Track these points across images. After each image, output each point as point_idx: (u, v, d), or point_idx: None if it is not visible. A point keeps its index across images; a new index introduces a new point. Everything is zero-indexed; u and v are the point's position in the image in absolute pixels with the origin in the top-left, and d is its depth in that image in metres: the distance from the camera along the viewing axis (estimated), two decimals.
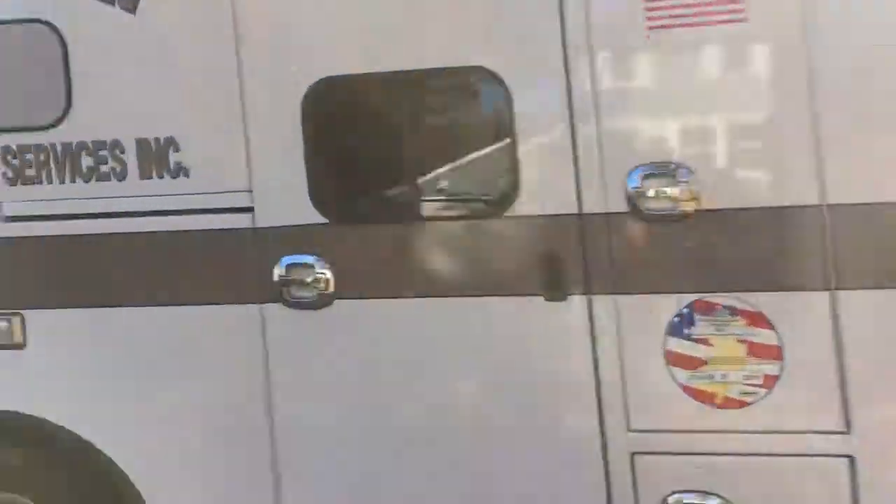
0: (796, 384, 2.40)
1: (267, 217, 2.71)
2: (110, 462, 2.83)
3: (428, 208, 2.83)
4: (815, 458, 2.42)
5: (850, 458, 2.38)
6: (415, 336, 2.63)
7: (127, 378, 2.84)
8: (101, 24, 2.81)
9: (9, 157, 2.91)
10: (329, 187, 2.71)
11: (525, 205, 2.53)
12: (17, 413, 2.87)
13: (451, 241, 2.69)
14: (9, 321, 2.89)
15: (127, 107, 2.82)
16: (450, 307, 2.60)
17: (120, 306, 2.83)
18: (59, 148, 2.87)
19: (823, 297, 2.35)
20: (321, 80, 2.63)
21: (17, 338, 2.88)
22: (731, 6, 2.40)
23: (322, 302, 2.66)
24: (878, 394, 2.38)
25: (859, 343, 2.35)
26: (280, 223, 2.70)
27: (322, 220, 2.66)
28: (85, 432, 2.83)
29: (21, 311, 2.87)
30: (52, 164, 2.88)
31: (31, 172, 2.89)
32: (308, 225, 2.67)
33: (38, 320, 2.88)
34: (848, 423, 2.38)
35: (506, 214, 2.55)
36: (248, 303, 2.73)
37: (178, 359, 2.81)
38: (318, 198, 2.65)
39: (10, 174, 2.90)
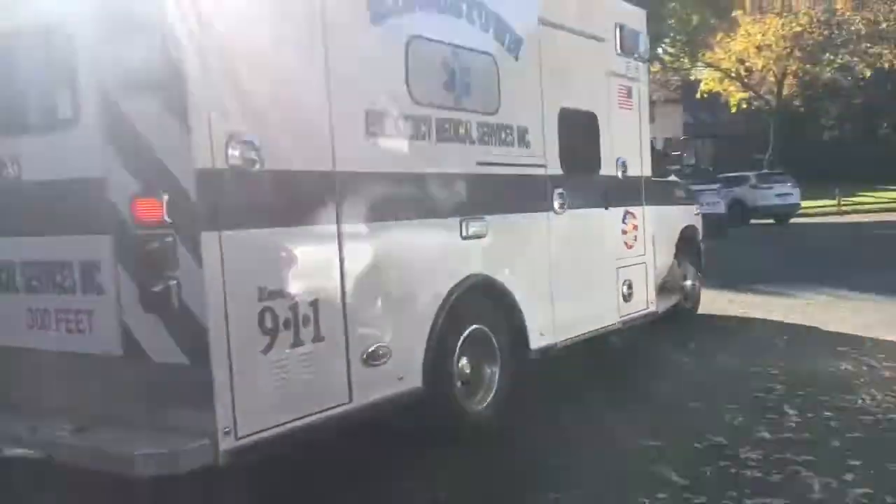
0: None
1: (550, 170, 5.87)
2: (514, 298, 5.34)
3: None
4: None
5: None
6: None
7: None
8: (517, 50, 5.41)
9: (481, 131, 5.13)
10: None
11: None
12: (485, 275, 5.13)
13: None
14: (482, 220, 5.10)
15: (517, 111, 5.46)
16: None
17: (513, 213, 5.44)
18: (496, 125, 5.26)
19: None
20: None
21: (483, 231, 5.12)
22: None
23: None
24: None
25: None
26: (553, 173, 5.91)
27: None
28: (506, 283, 5.29)
29: (484, 216, 5.13)
30: (493, 135, 5.25)
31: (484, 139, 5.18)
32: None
33: (492, 221, 5.15)
34: None
35: None
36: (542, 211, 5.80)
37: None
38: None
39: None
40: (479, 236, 5.04)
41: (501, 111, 5.29)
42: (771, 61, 35.87)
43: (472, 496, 4.19)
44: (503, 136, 5.32)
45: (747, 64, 36.89)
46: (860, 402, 5.47)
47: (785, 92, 37.68)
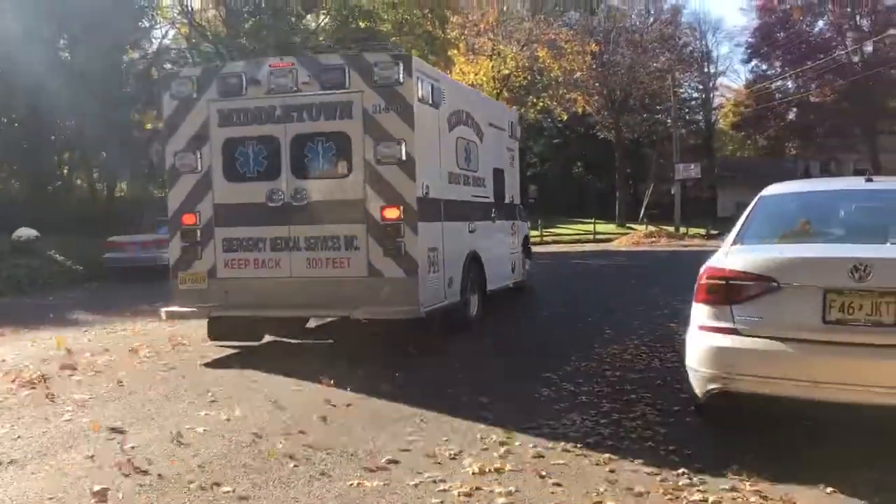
0: None
1: None
2: (482, 263, 10.80)
3: None
4: None
5: None
6: None
7: None
8: None
9: None
10: None
11: None
12: (474, 250, 10.28)
13: None
14: (474, 223, 10.39)
15: (481, 169, 11.19)
16: None
17: None
18: (475, 177, 10.52)
19: None
20: None
21: (475, 229, 10.63)
22: None
23: None
24: None
25: None
26: None
27: None
28: (481, 255, 10.75)
29: (475, 222, 10.43)
30: (475, 182, 10.70)
31: None
32: None
33: (476, 225, 10.73)
34: None
35: None
36: (489, 220, 11.23)
37: None
38: None
39: None
40: (473, 231, 10.62)
41: (479, 170, 11.08)
42: None
43: (470, 349, 9.27)
44: (478, 182, 11.05)
45: None
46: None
47: None
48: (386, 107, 8.44)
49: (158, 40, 33.29)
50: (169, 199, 9.22)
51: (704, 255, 5.57)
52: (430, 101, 9.06)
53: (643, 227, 42.79)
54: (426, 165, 8.81)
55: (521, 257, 13.86)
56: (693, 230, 39.39)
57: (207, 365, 8.62)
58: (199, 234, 9.02)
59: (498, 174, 12.08)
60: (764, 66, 59.37)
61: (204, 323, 9.46)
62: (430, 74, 9.27)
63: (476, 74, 37.76)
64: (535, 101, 41.18)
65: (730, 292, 4.95)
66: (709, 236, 36.95)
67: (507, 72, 38.81)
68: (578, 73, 40.14)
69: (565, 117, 42.50)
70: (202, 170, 9.00)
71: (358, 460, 5.13)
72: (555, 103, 40.77)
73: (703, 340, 5.04)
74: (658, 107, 52.68)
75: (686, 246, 31.91)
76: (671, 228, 39.93)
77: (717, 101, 67.69)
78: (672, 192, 42.06)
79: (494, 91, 38.76)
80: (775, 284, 4.79)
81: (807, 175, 53.81)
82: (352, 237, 8.57)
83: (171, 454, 5.36)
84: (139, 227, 22.76)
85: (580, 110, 41.78)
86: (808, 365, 4.63)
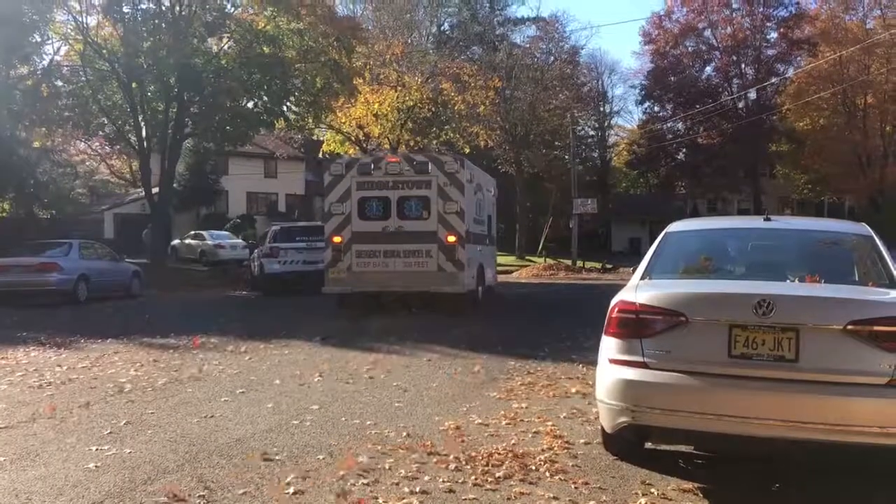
0: None
1: None
2: (484, 270, 19.40)
3: None
4: None
5: None
6: None
7: None
8: None
9: None
10: None
11: None
12: (480, 262, 18.62)
13: None
14: (479, 246, 18.59)
15: (483, 215, 19.32)
16: None
17: None
18: (480, 220, 18.99)
19: None
20: None
21: (481, 249, 19.00)
22: None
23: None
24: None
25: None
26: None
27: None
28: (484, 265, 19.20)
29: (479, 246, 18.74)
30: (480, 224, 19.11)
31: None
32: None
33: (481, 248, 19.17)
34: None
35: None
36: (485, 245, 20.26)
37: None
38: None
39: None
40: (480, 251, 18.29)
41: (482, 216, 18.73)
42: (387, 129, 39.29)
43: (477, 321, 15.22)
44: (482, 223, 18.69)
45: (366, 130, 40.13)
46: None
47: None
48: (450, 184, 16.09)
49: (50, 56, 31.88)
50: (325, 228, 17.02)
51: (602, 288, 5.65)
52: (470, 181, 17.00)
53: (542, 259, 43.60)
54: (468, 214, 16.58)
55: (495, 269, 21.81)
56: (589, 264, 40.37)
57: (105, 393, 8.20)
58: (342, 248, 16.53)
59: (489, 219, 20.03)
60: (656, 108, 61.92)
61: (91, 353, 10.87)
62: (470, 166, 17.49)
63: (381, 104, 38.00)
64: (438, 132, 41.61)
65: (640, 326, 5.01)
66: (604, 270, 37.95)
67: (411, 103, 39.04)
68: (481, 107, 40.70)
69: (468, 150, 42.90)
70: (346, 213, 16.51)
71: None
72: (458, 136, 41.31)
73: (613, 373, 5.07)
74: (557, 143, 54.06)
75: (584, 279, 32.63)
76: (569, 262, 40.83)
77: (612, 140, 70.27)
78: (570, 226, 43.08)
79: (399, 122, 39.27)
80: (683, 319, 4.87)
81: (695, 213, 56.25)
82: (427, 250, 16.14)
83: (59, 493, 5.00)
84: (24, 248, 21.61)
85: (483, 144, 42.41)
86: (714, 398, 4.71)
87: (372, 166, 16.50)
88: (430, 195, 16.19)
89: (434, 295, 16.14)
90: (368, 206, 16.45)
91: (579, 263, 40.46)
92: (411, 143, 41.51)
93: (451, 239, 16.03)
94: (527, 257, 46.48)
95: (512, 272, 36.38)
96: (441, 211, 16.07)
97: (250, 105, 32.44)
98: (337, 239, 16.57)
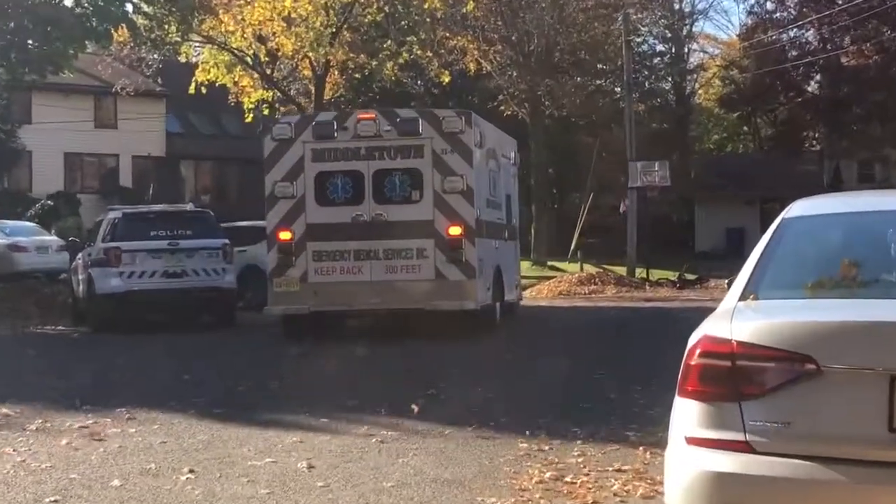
0: None
1: None
2: (501, 273, 22.44)
3: None
4: None
5: None
6: None
7: None
8: None
9: None
10: None
11: None
12: (497, 264, 22.60)
13: None
14: (496, 241, 23.02)
15: (499, 194, 23.95)
16: None
17: None
18: (495, 201, 23.72)
19: None
20: None
21: (497, 245, 22.81)
22: None
23: None
24: None
25: None
26: None
27: None
28: (501, 267, 23.12)
29: (496, 240, 23.08)
30: (496, 206, 23.41)
31: None
32: None
33: (498, 243, 23.28)
34: None
35: None
36: (502, 239, 25.34)
37: None
38: None
39: None
40: (497, 248, 22.10)
41: (498, 196, 22.74)
42: (307, 42, 39.18)
43: (494, 339, 20.19)
44: (498, 207, 22.54)
45: (271, 44, 40.43)
46: None
47: (328, 94, 43.28)
48: (451, 149, 18.14)
49: None
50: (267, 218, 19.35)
51: (679, 315, 5.70)
52: (480, 144, 19.12)
53: (576, 265, 43.66)
54: (478, 194, 19.02)
55: (518, 276, 25.76)
56: (658, 272, 40.57)
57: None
58: (292, 248, 18.62)
59: (507, 199, 23.11)
60: (770, 4, 62.13)
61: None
62: (480, 123, 19.88)
63: (296, 2, 38.06)
64: (396, 50, 41.63)
65: (738, 380, 5.04)
66: (682, 283, 38.16)
67: None
68: (469, 4, 40.58)
69: (447, 79, 42.70)
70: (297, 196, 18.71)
71: None
72: (430, 55, 41.67)
73: (693, 461, 5.12)
74: (602, 66, 54.20)
75: (647, 299, 32.82)
76: (622, 269, 40.98)
77: (695, 60, 70.65)
78: (622, 210, 43.22)
79: (328, 31, 39.51)
80: (813, 367, 4.91)
81: (838, 182, 56.52)
82: (420, 249, 18.49)
83: None
84: None
85: (472, 68, 43.09)
86: (868, 502, 4.77)
87: (335, 126, 18.43)
88: (421, 167, 18.22)
89: (431, 316, 17.80)
90: (331, 184, 18.44)
91: (640, 273, 40.63)
92: (349, 67, 42.13)
93: (455, 231, 18.16)
94: (550, 263, 46.57)
95: (525, 288, 36.37)
96: (439, 190, 18.03)
97: (69, 3, 32.24)
98: (285, 235, 18.45)
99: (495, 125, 23.66)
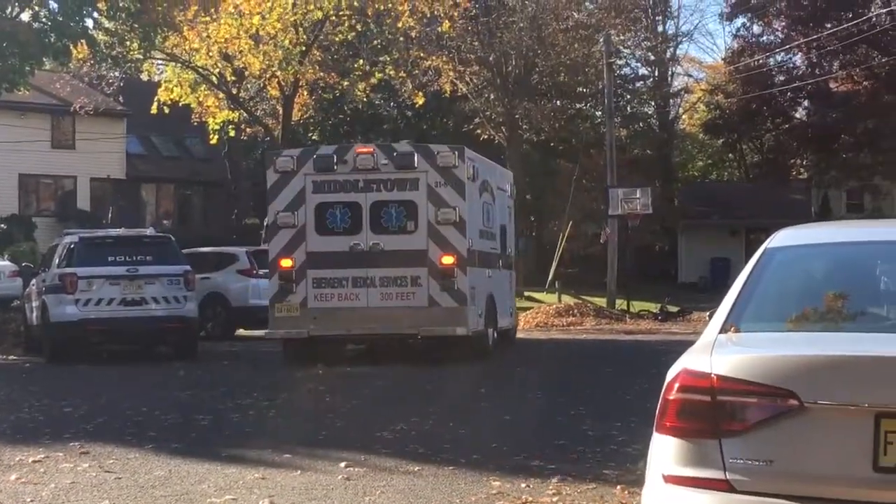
0: None
1: None
2: (494, 301, 24.38)
3: None
4: None
5: None
6: None
7: None
8: None
9: None
10: None
11: None
12: (490, 292, 24.51)
13: None
14: (489, 270, 24.40)
15: (493, 225, 25.52)
16: None
17: None
18: (489, 232, 25.18)
19: None
20: None
21: (490, 274, 24.66)
22: None
23: None
24: None
25: None
26: None
27: None
28: (494, 294, 24.95)
29: (488, 269, 24.62)
30: (490, 236, 25.37)
31: None
32: None
33: (491, 272, 25.13)
34: None
35: None
36: (495, 269, 26.86)
37: None
38: None
39: None
40: (490, 277, 23.87)
41: (493, 227, 24.25)
42: (275, 61, 39.02)
43: (486, 367, 21.35)
44: (492, 237, 24.27)
45: (237, 62, 40.28)
46: None
47: (296, 115, 43.17)
48: (445, 182, 20.00)
49: None
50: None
51: (659, 348, 5.72)
52: (472, 178, 21.10)
53: (553, 296, 43.65)
54: (471, 225, 20.78)
55: (513, 304, 28.07)
56: (639, 304, 40.57)
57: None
58: (293, 275, 20.36)
59: (502, 229, 24.97)
60: (756, 28, 62.52)
61: None
62: (473, 157, 22.14)
63: (264, 18, 37.79)
64: (368, 70, 41.62)
65: (718, 415, 5.03)
66: (663, 316, 38.21)
67: (318, 14, 39.19)
68: (445, 24, 40.33)
69: (421, 101, 42.60)
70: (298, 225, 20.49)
71: None
72: (403, 75, 41.65)
73: (672, 501, 5.11)
74: (582, 89, 54.30)
75: (628, 331, 32.82)
76: (601, 301, 41.04)
77: (678, 84, 70.89)
78: (603, 239, 43.22)
79: (299, 48, 39.38)
80: (795, 403, 4.90)
81: (826, 212, 56.78)
82: (415, 277, 20.20)
83: None
84: None
85: (447, 89, 42.88)
86: None
87: (335, 159, 20.47)
88: (416, 199, 20.23)
89: (425, 341, 20.08)
90: (330, 215, 20.37)
91: (620, 304, 40.66)
92: (319, 87, 42.00)
93: (448, 260, 20.13)
94: (526, 293, 46.52)
95: None
96: (433, 221, 19.97)
97: (26, 18, 32.14)
98: (286, 262, 20.43)
99: (472, 149, 24.23)
